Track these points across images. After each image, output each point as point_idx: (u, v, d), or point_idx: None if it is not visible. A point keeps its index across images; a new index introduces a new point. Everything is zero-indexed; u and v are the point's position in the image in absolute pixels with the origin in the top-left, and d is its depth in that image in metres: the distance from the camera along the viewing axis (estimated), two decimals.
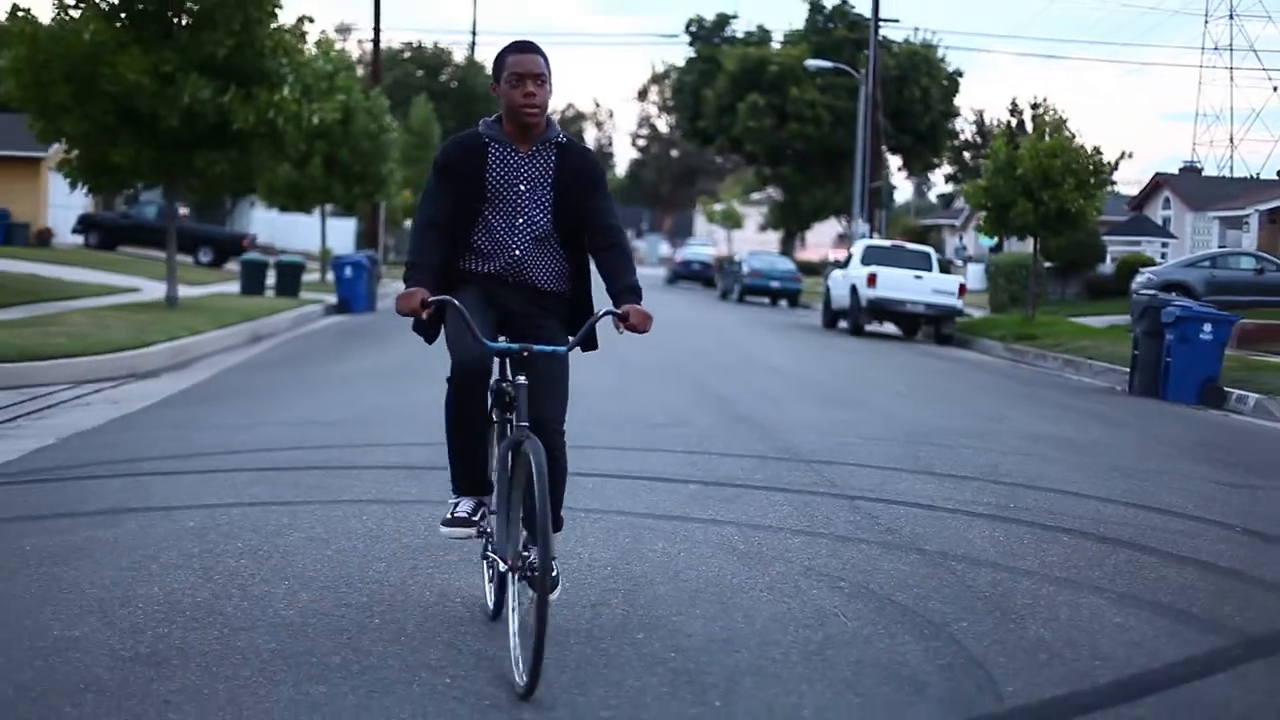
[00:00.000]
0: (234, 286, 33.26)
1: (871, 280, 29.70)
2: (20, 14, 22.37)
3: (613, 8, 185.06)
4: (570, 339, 5.43)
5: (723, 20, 68.71)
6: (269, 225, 63.47)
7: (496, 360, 5.35)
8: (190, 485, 8.64)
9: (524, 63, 5.40)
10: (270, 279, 32.06)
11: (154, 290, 30.15)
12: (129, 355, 16.71)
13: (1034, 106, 78.85)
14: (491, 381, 5.40)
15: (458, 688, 4.85)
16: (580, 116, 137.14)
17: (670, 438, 11.33)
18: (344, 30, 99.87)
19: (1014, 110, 76.81)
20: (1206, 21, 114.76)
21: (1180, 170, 59.45)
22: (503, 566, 5.19)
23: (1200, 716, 4.90)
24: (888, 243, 34.74)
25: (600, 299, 5.48)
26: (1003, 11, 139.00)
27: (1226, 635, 6.02)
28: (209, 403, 13.39)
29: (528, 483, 4.94)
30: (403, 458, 10.05)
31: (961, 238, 65.53)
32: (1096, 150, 29.76)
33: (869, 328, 31.31)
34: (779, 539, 7.57)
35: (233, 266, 44.81)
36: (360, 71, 49.95)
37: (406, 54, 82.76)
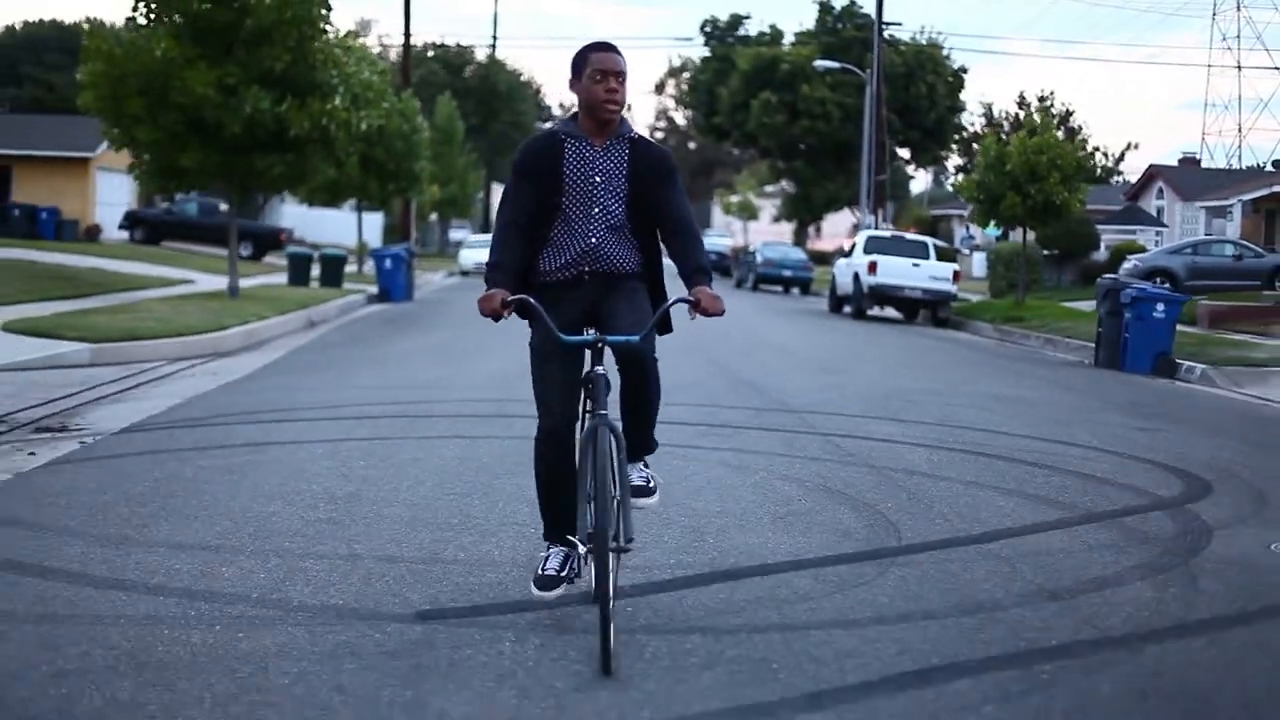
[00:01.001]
0: (279, 278, 35.77)
1: (872, 268, 32.16)
2: (97, 32, 24.82)
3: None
4: (652, 330, 5.59)
5: (736, 21, 71.33)
6: (299, 220, 66.04)
7: (588, 353, 5.52)
8: (308, 428, 11.12)
9: (608, 60, 5.61)
10: (315, 271, 34.58)
11: (206, 282, 32.71)
12: (210, 337, 19.19)
13: (1041, 100, 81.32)
14: (582, 374, 5.56)
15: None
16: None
17: (683, 396, 13.73)
18: (364, 25, 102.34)
19: (1021, 103, 79.02)
20: (1214, 15, 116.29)
21: (1179, 161, 61.68)
22: (581, 549, 5.37)
23: (1029, 549, 7.32)
24: (888, 233, 37.16)
25: (673, 286, 5.84)
26: (1015, 5, 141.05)
27: (1073, 511, 8.46)
28: (295, 373, 15.86)
29: (600, 460, 5.23)
30: (467, 409, 12.50)
31: (969, 227, 67.67)
32: (1080, 146, 31.95)
33: (871, 312, 33.72)
34: (763, 459, 10.03)
35: (271, 260, 47.33)
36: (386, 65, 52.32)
37: (430, 53, 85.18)
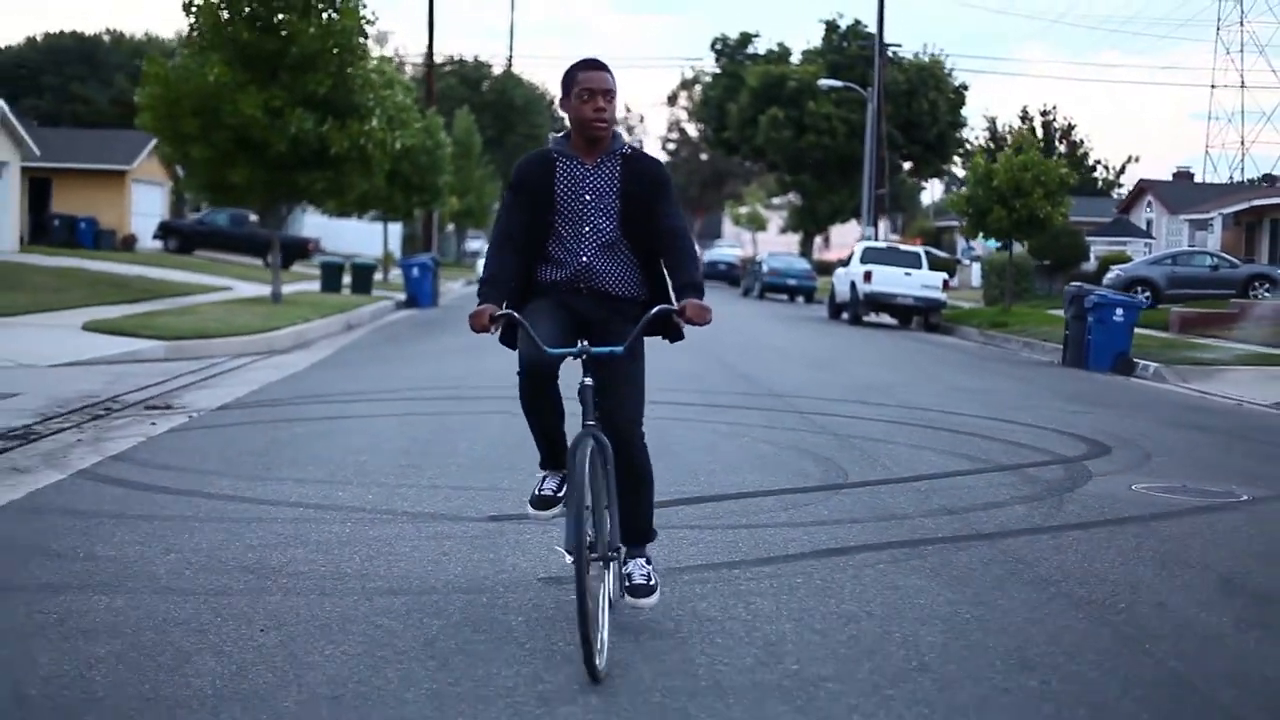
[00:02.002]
0: (310, 285, 38.08)
1: (868, 277, 34.49)
2: (155, 59, 27.19)
3: (641, 7, 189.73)
4: (636, 338, 5.59)
5: (745, 39, 73.94)
6: (320, 229, 68.32)
7: (580, 362, 5.53)
8: (374, 406, 13.42)
9: (595, 79, 5.67)
10: (346, 279, 36.93)
11: (243, 289, 35.03)
12: (264, 336, 21.48)
13: (1043, 114, 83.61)
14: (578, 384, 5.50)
15: None
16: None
17: (687, 384, 16.00)
18: (381, 37, 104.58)
19: (1025, 118, 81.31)
20: (1219, 29, 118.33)
21: (1174, 175, 63.91)
22: (567, 560, 5.46)
23: (943, 486, 9.59)
24: (883, 244, 39.51)
25: None
26: (1024, 20, 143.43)
27: (989, 464, 10.74)
28: (348, 367, 18.15)
29: (579, 473, 5.23)
30: (501, 393, 14.72)
31: (969, 239, 70.01)
32: (1060, 165, 34.14)
33: (867, 318, 36.00)
34: (749, 428, 12.33)
35: (298, 268, 49.71)
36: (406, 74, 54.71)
37: (448, 68, 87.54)
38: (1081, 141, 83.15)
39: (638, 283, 5.81)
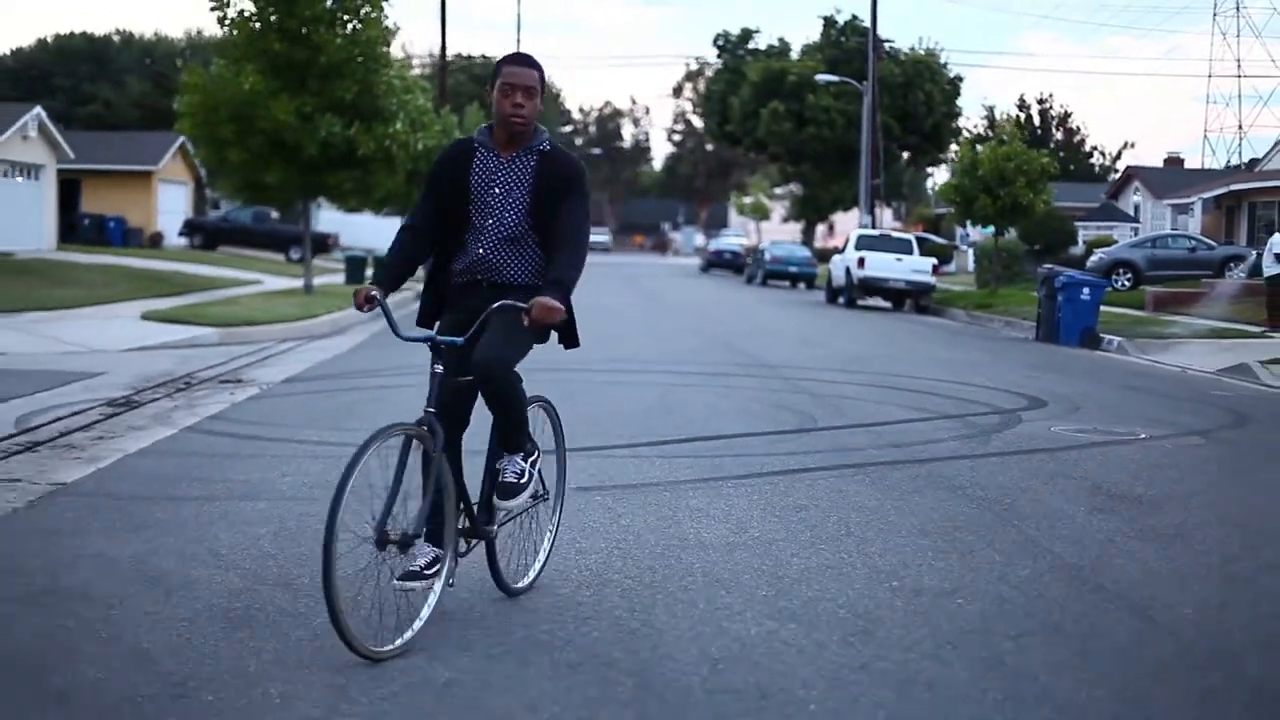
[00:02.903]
0: (335, 278, 40.19)
1: (861, 263, 36.63)
2: (194, 69, 29.35)
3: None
4: (482, 323, 5.62)
5: (746, 35, 76.18)
6: (333, 224, 70.47)
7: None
8: (416, 378, 15.52)
9: (517, 75, 5.69)
10: (368, 271, 39.06)
11: (271, 283, 37.19)
12: (304, 324, 23.61)
13: (1040, 102, 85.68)
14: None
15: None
16: (618, 113, 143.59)
17: (689, 359, 18.10)
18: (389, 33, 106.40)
19: (1022, 105, 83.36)
20: (1215, 14, 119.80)
21: (1165, 161, 65.92)
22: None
23: (894, 430, 11.72)
24: (876, 232, 41.59)
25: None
26: (1024, 5, 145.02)
27: (937, 414, 12.88)
28: (386, 348, 20.26)
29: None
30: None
31: (967, 225, 72.12)
32: (1042, 154, 36.17)
33: (863, 302, 38.12)
34: (740, 390, 14.48)
35: (320, 262, 51.69)
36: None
37: (456, 65, 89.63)
38: (1078, 129, 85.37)
39: (537, 272, 5.84)
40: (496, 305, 5.54)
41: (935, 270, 37.56)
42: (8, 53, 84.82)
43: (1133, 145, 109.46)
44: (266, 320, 23.10)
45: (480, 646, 5.38)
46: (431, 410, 5.52)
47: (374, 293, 5.52)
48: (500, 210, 5.73)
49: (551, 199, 5.73)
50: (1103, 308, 25.44)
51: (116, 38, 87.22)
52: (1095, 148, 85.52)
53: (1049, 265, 27.69)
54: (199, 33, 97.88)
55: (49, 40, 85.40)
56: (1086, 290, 24.96)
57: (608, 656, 5.24)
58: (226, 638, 5.41)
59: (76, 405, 12.75)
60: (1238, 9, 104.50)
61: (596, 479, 8.94)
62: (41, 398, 13.36)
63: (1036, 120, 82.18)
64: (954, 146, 77.97)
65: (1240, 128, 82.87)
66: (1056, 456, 10.50)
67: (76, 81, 79.26)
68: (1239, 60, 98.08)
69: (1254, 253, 32.47)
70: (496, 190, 5.73)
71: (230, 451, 10.14)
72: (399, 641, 5.26)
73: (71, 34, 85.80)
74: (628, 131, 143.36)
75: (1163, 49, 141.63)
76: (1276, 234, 26.69)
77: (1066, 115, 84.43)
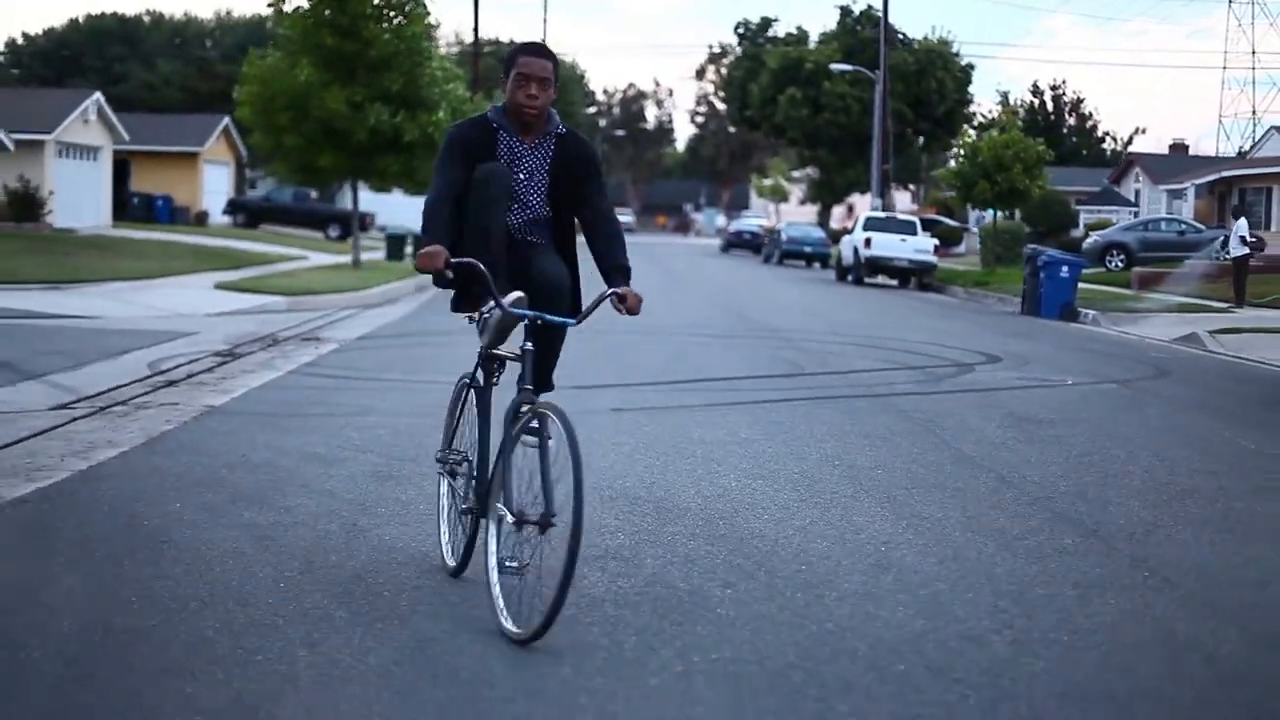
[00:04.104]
0: (375, 255, 42.83)
1: (868, 243, 39.27)
2: (254, 60, 32.06)
3: None
4: (589, 313, 5.68)
5: (766, 23, 79.03)
6: (367, 204, 73.05)
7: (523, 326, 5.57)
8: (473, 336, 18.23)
9: (532, 65, 5.71)
10: (408, 249, 41.72)
11: (317, 259, 39.84)
12: (359, 294, 26.29)
13: (1053, 88, 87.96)
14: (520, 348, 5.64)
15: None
16: (641, 95, 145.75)
17: (704, 327, 20.71)
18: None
19: (1035, 91, 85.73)
20: (1231, 2, 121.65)
21: (1170, 147, 68.25)
22: (509, 518, 5.35)
23: (867, 376, 14.35)
24: (883, 214, 44.20)
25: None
26: None
27: (905, 366, 15.50)
28: (436, 315, 22.93)
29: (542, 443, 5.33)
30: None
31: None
32: (1037, 142, 38.65)
33: (870, 280, 40.73)
34: (744, 347, 17.13)
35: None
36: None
37: (487, 49, 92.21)
38: (1090, 114, 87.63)
39: (548, 236, 6.01)
40: (605, 294, 5.54)
41: (937, 250, 40.14)
42: (40, 32, 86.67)
43: (1144, 131, 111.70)
44: (326, 290, 25.77)
45: None
46: (529, 387, 5.58)
47: (454, 259, 5.43)
48: (525, 194, 5.85)
49: (572, 182, 5.88)
50: (1090, 285, 27.99)
51: (147, 18, 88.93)
52: (1108, 133, 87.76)
53: (1033, 245, 30.21)
54: (228, 14, 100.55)
55: (80, 21, 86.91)
56: (1065, 268, 27.51)
57: (634, 494, 7.90)
58: (378, 487, 8.08)
59: (190, 355, 15.44)
60: None
61: (624, 404, 11.62)
62: (157, 350, 16.03)
63: (1050, 106, 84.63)
64: (971, 132, 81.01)
65: (1254, 112, 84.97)
66: (991, 396, 13.14)
67: (107, 62, 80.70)
68: (1254, 46, 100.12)
69: (1223, 234, 34.81)
70: (521, 176, 5.83)
71: (334, 386, 12.84)
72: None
73: (103, 14, 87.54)
74: (651, 113, 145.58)
75: (1183, 33, 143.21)
76: (1243, 218, 29.19)
77: (1079, 101, 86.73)
